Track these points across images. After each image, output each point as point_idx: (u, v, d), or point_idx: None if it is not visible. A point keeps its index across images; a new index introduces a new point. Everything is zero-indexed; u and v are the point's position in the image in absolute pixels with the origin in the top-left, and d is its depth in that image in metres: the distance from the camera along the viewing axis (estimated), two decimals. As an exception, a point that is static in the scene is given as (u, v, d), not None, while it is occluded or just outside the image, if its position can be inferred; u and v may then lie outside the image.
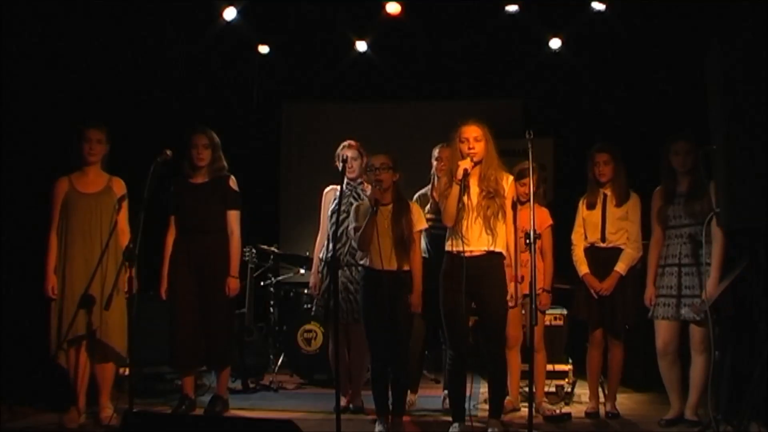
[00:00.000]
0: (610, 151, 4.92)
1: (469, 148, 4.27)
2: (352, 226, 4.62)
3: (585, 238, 4.96)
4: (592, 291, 4.85)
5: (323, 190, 5.27)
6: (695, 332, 4.54)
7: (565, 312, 5.53)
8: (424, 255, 4.76)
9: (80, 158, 4.72)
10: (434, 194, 5.02)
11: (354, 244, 4.67)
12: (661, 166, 4.71)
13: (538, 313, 4.88)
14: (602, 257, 4.88)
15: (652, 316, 4.69)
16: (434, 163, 5.10)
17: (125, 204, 4.73)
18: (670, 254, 4.63)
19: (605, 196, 4.93)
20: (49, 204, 4.69)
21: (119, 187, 4.79)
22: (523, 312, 4.93)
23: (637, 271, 4.98)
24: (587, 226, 4.95)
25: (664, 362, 4.68)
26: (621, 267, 4.82)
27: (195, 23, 6.78)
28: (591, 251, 4.92)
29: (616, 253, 4.86)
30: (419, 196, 5.19)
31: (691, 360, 4.62)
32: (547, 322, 5.36)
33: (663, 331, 4.64)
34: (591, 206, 4.95)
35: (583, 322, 5.01)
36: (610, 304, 4.83)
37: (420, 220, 4.56)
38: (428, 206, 5.01)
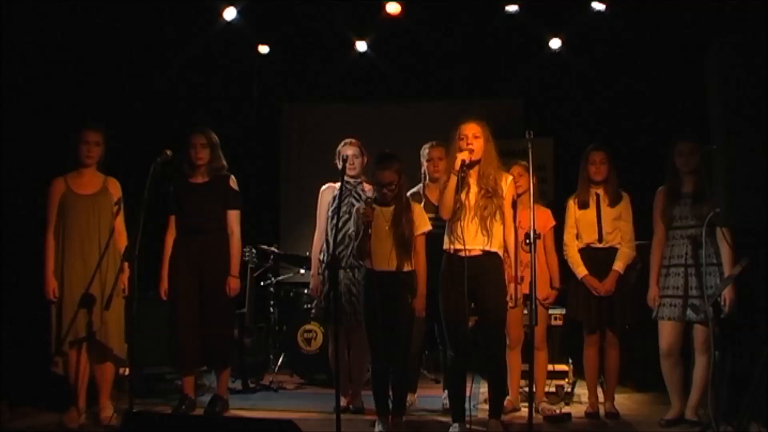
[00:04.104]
0: (606, 150, 4.93)
1: (468, 144, 4.27)
2: (352, 230, 4.61)
3: (577, 238, 4.94)
4: (594, 292, 4.83)
5: (322, 189, 5.26)
6: (699, 333, 4.52)
7: (564, 312, 5.53)
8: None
9: (77, 159, 4.71)
10: (426, 193, 5.02)
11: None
12: (666, 165, 4.71)
13: (542, 312, 4.91)
14: (599, 258, 4.87)
15: (657, 317, 4.67)
16: (424, 162, 5.09)
17: (121, 205, 4.73)
18: (676, 255, 4.61)
19: (598, 195, 4.92)
20: (46, 205, 4.68)
21: (115, 188, 4.78)
22: (525, 312, 4.92)
23: (637, 271, 4.98)
24: (581, 226, 4.93)
25: (667, 363, 4.66)
26: (619, 266, 4.81)
27: (195, 23, 6.78)
28: (587, 252, 4.90)
29: (612, 252, 4.85)
30: (410, 195, 5.17)
31: (693, 360, 4.61)
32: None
33: (667, 332, 4.62)
34: (584, 206, 4.93)
35: (581, 322, 4.99)
36: (608, 304, 4.82)
37: (423, 223, 4.51)
38: (420, 204, 5.01)
